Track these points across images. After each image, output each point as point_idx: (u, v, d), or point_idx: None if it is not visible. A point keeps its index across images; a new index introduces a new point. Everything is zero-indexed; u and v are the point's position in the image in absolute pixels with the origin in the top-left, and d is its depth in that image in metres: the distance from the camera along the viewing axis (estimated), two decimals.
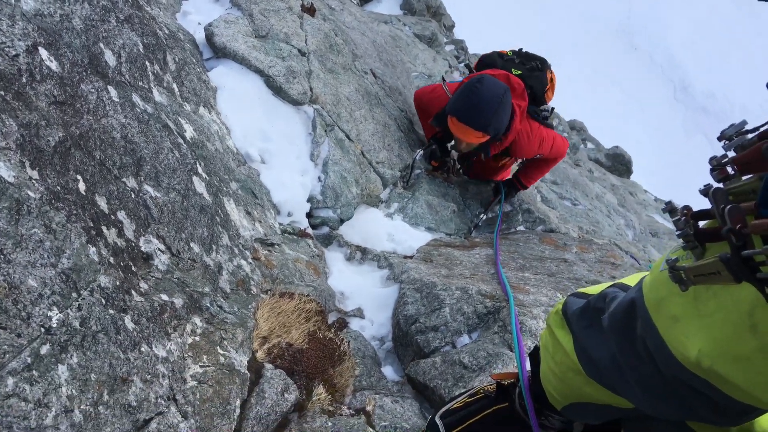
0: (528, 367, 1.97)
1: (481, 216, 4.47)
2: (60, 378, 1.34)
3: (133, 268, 1.83)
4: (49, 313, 1.39)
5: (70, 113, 1.93)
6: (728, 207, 0.87)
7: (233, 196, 2.77)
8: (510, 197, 4.71)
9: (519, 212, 4.81)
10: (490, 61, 4.45)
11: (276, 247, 2.93)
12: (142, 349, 1.62)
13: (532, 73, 4.29)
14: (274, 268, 2.73)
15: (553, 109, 4.62)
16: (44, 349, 1.33)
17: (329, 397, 2.23)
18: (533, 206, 5.01)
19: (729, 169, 0.99)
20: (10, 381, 1.22)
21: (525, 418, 1.89)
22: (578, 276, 3.44)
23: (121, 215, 1.90)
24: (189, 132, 2.68)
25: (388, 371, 2.70)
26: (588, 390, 1.51)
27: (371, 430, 2.12)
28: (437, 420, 1.99)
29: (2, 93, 1.65)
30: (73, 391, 1.36)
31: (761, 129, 0.92)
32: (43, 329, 1.35)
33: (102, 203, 1.83)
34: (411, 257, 3.62)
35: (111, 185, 1.93)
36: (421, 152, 4.42)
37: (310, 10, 4.37)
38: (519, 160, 4.77)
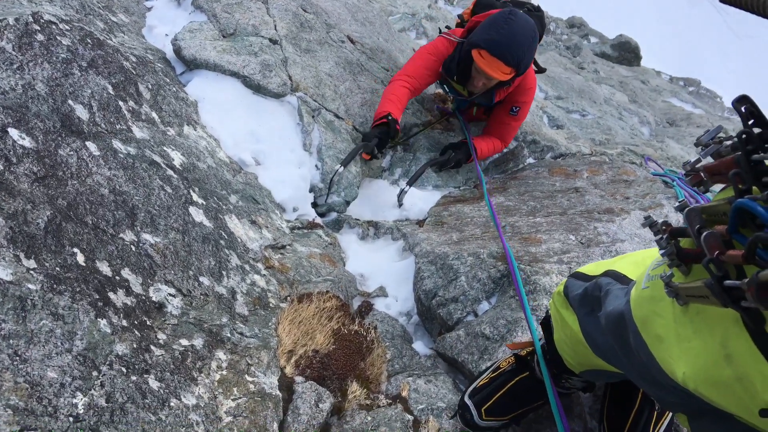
0: (541, 335, 2.02)
1: (405, 189, 3.81)
2: None
3: (148, 322, 1.90)
4: (74, 400, 1.47)
5: (53, 185, 1.97)
6: (705, 234, 0.88)
7: (234, 210, 2.81)
8: (457, 158, 4.07)
9: (524, 146, 4.74)
10: (487, 2, 4.31)
11: (287, 248, 2.98)
12: (172, 403, 1.71)
13: (532, 14, 4.14)
14: (289, 271, 2.79)
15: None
16: None
17: (365, 391, 2.31)
18: (538, 135, 4.94)
19: (702, 175, 1.00)
20: None
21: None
22: (590, 207, 3.43)
23: (126, 273, 1.97)
24: (177, 159, 2.71)
25: (419, 346, 2.77)
26: (598, 362, 1.55)
27: (409, 416, 2.21)
28: (467, 400, 2.07)
29: None
30: None
31: (732, 140, 0.92)
32: (71, 418, 1.43)
33: (104, 268, 1.90)
34: (423, 221, 3.65)
35: (109, 246, 1.99)
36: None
37: None
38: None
